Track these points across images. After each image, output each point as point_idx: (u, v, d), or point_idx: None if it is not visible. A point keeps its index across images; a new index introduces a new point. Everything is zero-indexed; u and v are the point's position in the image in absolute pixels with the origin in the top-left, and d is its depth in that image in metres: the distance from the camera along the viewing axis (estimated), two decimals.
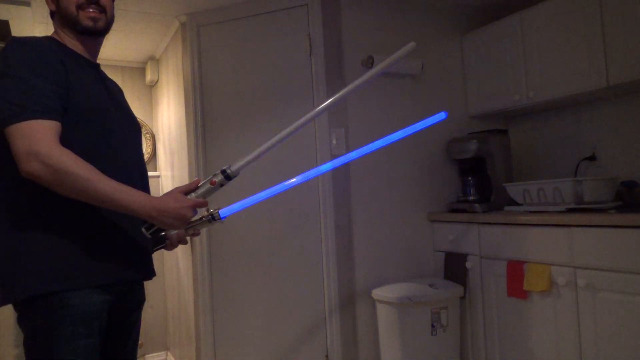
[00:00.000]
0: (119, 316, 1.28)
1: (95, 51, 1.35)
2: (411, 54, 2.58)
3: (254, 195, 1.30)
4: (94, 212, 1.16)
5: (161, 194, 1.25)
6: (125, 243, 1.23)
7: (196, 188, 1.23)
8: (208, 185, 1.20)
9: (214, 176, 1.21)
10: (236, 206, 1.28)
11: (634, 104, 2.27)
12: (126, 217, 1.18)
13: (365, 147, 1.40)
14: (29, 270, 1.10)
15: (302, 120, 1.27)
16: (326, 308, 2.32)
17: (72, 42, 1.29)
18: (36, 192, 1.12)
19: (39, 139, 1.07)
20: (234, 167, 1.22)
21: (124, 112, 1.35)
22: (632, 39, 1.99)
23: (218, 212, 1.24)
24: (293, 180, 1.32)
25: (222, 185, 1.20)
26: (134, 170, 1.29)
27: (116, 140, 1.25)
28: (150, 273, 1.35)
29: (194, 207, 1.18)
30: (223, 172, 1.21)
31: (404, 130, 1.41)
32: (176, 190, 1.21)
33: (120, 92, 1.45)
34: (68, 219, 1.15)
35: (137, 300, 1.36)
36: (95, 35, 1.30)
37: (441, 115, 1.42)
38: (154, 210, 1.12)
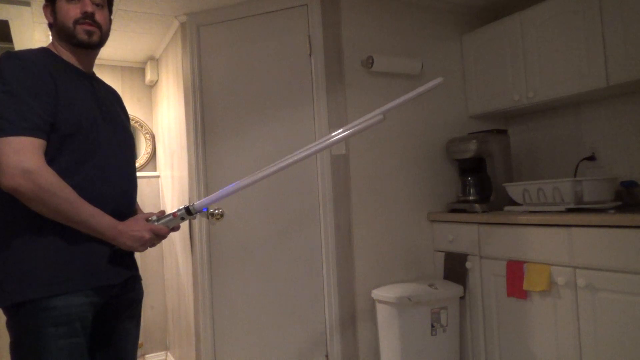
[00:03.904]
0: (111, 316, 1.33)
1: (90, 63, 1.39)
2: (411, 54, 2.60)
3: (241, 181, 1.37)
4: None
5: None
6: (105, 249, 1.27)
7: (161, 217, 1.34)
8: (171, 217, 1.32)
9: (178, 210, 1.33)
10: (209, 202, 1.37)
11: (634, 104, 2.27)
12: None
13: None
14: (14, 278, 1.15)
15: (282, 164, 1.37)
16: (326, 308, 2.32)
17: (66, 54, 1.32)
18: (19, 203, 1.15)
19: (30, 156, 1.11)
20: (197, 204, 1.34)
21: (115, 125, 1.36)
22: (632, 39, 1.99)
23: (193, 205, 1.34)
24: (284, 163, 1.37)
25: (182, 218, 1.33)
26: (119, 188, 1.32)
27: (103, 158, 1.28)
28: (126, 273, 1.36)
29: (152, 232, 1.26)
30: (186, 208, 1.33)
31: (406, 96, 1.43)
32: (140, 216, 1.31)
33: (114, 100, 1.46)
34: (51, 228, 1.18)
35: (131, 298, 1.39)
36: (90, 48, 1.34)
37: (438, 80, 1.42)
38: (117, 233, 1.22)
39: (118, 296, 1.34)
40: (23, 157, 1.10)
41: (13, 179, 1.09)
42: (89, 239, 1.22)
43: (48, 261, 1.17)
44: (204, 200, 1.35)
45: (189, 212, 1.32)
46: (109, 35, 1.39)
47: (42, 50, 1.28)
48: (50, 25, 1.35)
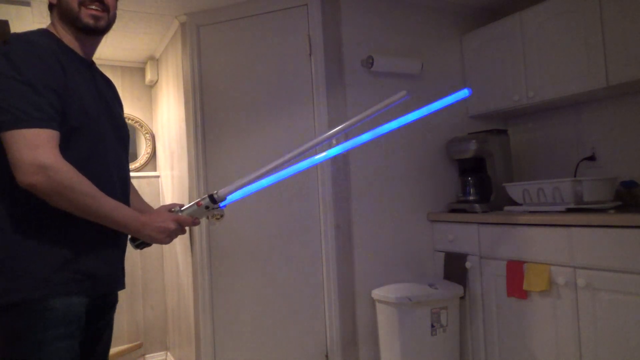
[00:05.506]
0: (93, 318, 1.29)
1: (93, 49, 1.32)
2: (411, 54, 2.60)
3: (251, 181, 1.35)
4: (75, 223, 1.16)
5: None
6: (107, 252, 1.25)
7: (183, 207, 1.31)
8: (195, 207, 1.28)
9: (202, 199, 1.28)
10: (233, 189, 1.32)
11: (634, 104, 2.27)
12: (103, 231, 1.20)
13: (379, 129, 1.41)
14: (11, 276, 1.11)
15: (301, 148, 1.36)
16: (326, 308, 2.32)
17: (68, 39, 1.24)
18: (21, 201, 1.12)
19: (46, 152, 1.05)
20: (221, 192, 1.29)
21: (113, 118, 1.32)
22: (632, 39, 1.99)
23: (217, 192, 1.28)
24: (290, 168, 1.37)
25: (207, 207, 1.27)
26: (117, 183, 1.29)
27: (105, 152, 1.25)
28: (120, 285, 1.35)
29: (176, 222, 1.23)
30: (210, 196, 1.28)
31: (425, 108, 1.43)
32: (163, 208, 1.29)
33: (110, 90, 1.41)
34: (52, 228, 1.15)
35: (111, 302, 1.37)
36: (96, 34, 1.27)
37: (464, 93, 1.42)
38: (140, 225, 1.18)
39: (105, 296, 1.31)
40: (39, 152, 1.04)
41: (30, 176, 1.04)
42: (90, 240, 1.20)
43: (47, 261, 1.13)
44: (229, 187, 1.29)
45: (213, 200, 1.26)
46: (115, 19, 1.31)
47: (46, 34, 1.21)
48: (51, 6, 1.25)
